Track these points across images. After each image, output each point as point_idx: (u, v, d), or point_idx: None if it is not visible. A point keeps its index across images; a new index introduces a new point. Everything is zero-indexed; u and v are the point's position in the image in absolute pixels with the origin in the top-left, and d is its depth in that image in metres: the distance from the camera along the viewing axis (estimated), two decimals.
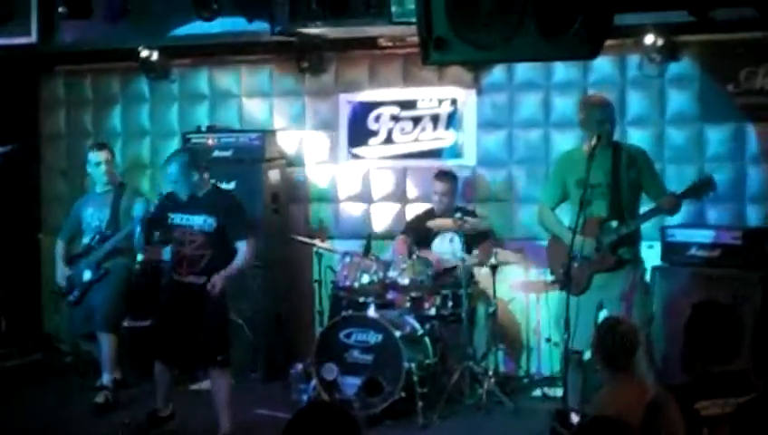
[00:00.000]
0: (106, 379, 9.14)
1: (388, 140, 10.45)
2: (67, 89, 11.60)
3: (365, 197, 10.59)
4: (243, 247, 7.93)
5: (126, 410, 8.86)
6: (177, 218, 8.02)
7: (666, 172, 9.28)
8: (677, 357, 5.20)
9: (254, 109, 10.91)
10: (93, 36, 9.50)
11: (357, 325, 8.77)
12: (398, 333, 8.61)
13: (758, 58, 9.13)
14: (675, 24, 9.03)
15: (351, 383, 8.64)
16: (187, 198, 8.01)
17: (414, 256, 9.06)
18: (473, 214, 9.56)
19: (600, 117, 7.78)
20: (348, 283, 9.05)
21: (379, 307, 8.92)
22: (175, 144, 10.88)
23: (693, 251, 8.77)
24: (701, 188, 7.83)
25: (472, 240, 9.17)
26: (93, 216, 9.27)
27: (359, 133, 10.56)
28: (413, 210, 10.14)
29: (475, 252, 9.22)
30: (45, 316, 11.34)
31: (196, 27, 9.20)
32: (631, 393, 5.20)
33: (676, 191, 7.82)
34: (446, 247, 9.35)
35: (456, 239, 9.09)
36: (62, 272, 9.29)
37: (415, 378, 8.51)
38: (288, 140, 10.74)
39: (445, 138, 10.29)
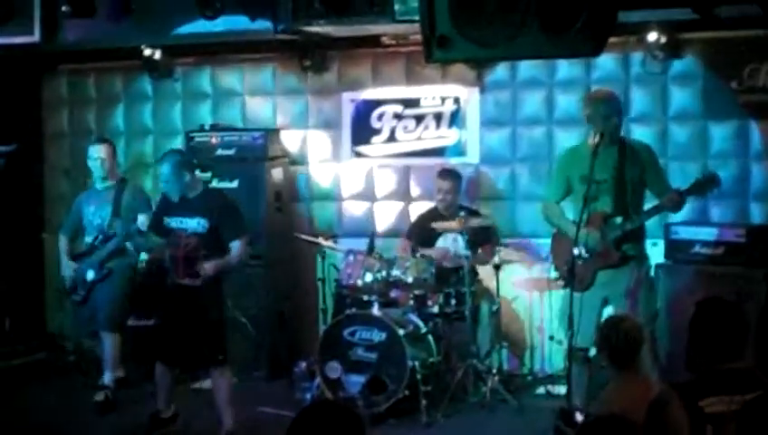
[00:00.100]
0: (107, 378, 9.15)
1: (392, 138, 10.45)
2: (70, 88, 11.60)
3: (368, 195, 10.59)
4: (236, 245, 7.93)
5: (129, 410, 8.87)
6: (172, 222, 8.03)
7: (669, 169, 9.27)
8: (681, 354, 5.19)
9: (257, 107, 10.91)
10: (96, 35, 9.50)
11: (361, 323, 8.78)
12: (401, 332, 8.61)
13: (762, 55, 9.12)
14: (678, 21, 9.03)
15: (355, 381, 8.65)
16: (180, 200, 8.01)
17: (417, 255, 9.06)
18: (476, 213, 9.56)
19: (605, 112, 7.78)
20: (351, 281, 9.05)
21: (382, 305, 8.92)
22: (178, 143, 10.87)
23: (696, 248, 8.77)
24: (705, 185, 7.82)
25: (475, 240, 9.15)
26: (95, 214, 9.26)
27: (362, 132, 10.55)
28: (416, 209, 10.14)
29: (480, 251, 9.23)
30: (49, 315, 11.34)
31: (199, 26, 9.20)
32: (636, 390, 5.19)
33: (681, 188, 7.82)
34: (450, 247, 9.34)
35: (460, 239, 9.08)
36: (66, 266, 9.28)
37: (419, 376, 8.51)
38: (291, 139, 10.74)
39: (448, 136, 10.28)
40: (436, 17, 5.38)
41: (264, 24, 9.11)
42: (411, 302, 9.13)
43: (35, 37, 9.15)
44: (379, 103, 10.48)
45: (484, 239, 9.35)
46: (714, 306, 5.22)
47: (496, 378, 8.93)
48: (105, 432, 8.53)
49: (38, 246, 11.39)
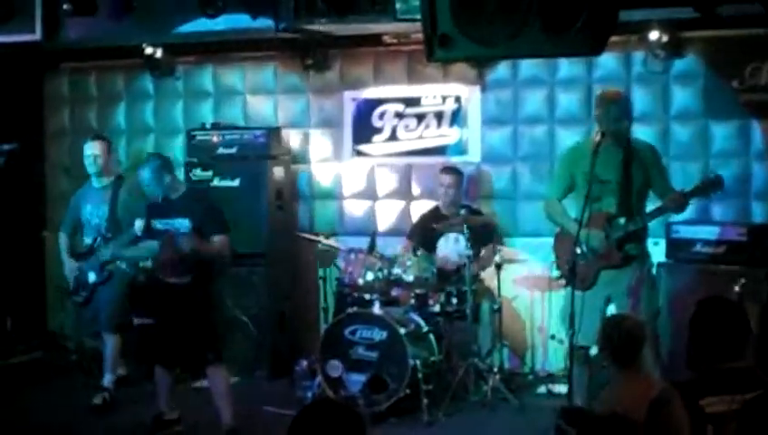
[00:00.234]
0: (107, 380, 9.15)
1: (393, 137, 10.45)
2: (71, 86, 11.61)
3: (369, 194, 10.59)
4: (218, 239, 7.94)
5: (130, 409, 8.87)
6: (159, 224, 8.07)
7: (670, 169, 9.24)
8: (683, 353, 5.19)
9: (259, 106, 10.91)
10: (98, 33, 9.50)
11: (362, 322, 8.77)
12: (402, 331, 8.60)
13: (763, 54, 9.12)
14: (680, 20, 9.04)
15: (356, 380, 8.64)
16: (164, 202, 8.04)
17: (419, 253, 9.06)
18: (478, 212, 9.57)
19: (616, 114, 7.76)
20: (352, 280, 9.05)
21: (383, 304, 8.92)
22: (179, 141, 10.91)
23: (698, 247, 8.77)
24: (709, 187, 7.81)
25: (477, 239, 9.14)
26: (93, 213, 9.23)
27: (363, 130, 10.56)
28: (417, 207, 10.14)
29: (482, 254, 9.23)
30: (50, 314, 11.35)
31: (201, 24, 9.20)
32: (637, 389, 5.18)
33: (684, 189, 7.81)
34: (451, 248, 9.34)
35: (461, 239, 9.07)
36: (69, 266, 9.28)
37: (420, 375, 8.50)
38: (292, 138, 10.74)
39: (449, 135, 10.28)
40: (437, 16, 5.37)
41: (265, 23, 9.11)
42: (412, 301, 9.13)
43: (37, 35, 9.14)
44: (380, 102, 10.48)
45: (486, 238, 9.35)
46: (715, 305, 5.22)
47: (497, 377, 8.93)
48: (106, 432, 8.51)
49: (39, 245, 11.39)
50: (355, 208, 10.63)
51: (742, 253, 8.54)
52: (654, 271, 8.28)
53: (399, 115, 10.42)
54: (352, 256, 9.17)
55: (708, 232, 8.79)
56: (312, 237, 10.09)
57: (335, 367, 8.73)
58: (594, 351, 7.75)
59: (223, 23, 9.03)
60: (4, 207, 10.85)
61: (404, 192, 10.48)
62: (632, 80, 9.66)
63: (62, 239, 9.44)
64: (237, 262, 9.80)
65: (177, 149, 11.01)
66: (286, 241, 10.46)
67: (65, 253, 9.35)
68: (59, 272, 9.57)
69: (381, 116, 10.48)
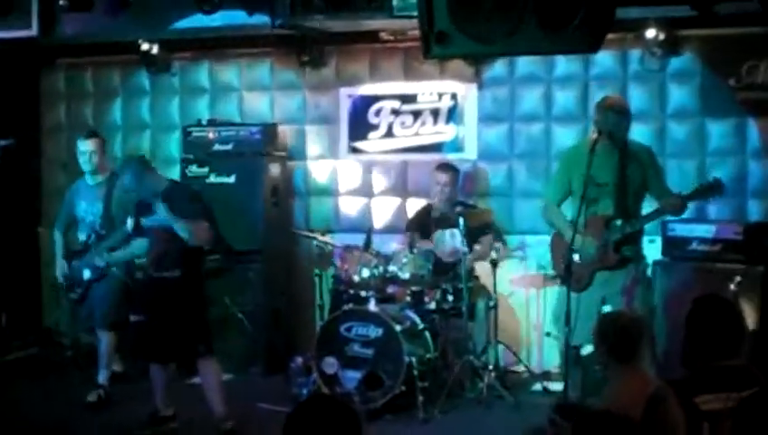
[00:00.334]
0: (102, 377, 9.13)
1: (389, 133, 10.45)
2: (68, 82, 11.60)
3: (365, 191, 10.59)
4: (197, 224, 7.93)
5: (126, 406, 8.85)
6: (147, 222, 8.08)
7: (667, 167, 9.27)
8: (678, 351, 5.19)
9: (255, 102, 10.91)
10: (94, 29, 9.48)
11: (357, 319, 8.77)
12: (398, 328, 8.60)
13: (760, 52, 9.12)
14: (677, 17, 9.04)
15: (352, 377, 8.64)
16: (150, 200, 8.04)
17: (414, 251, 9.05)
18: (473, 208, 9.57)
19: (615, 120, 7.78)
20: (348, 277, 9.04)
21: (379, 301, 8.91)
22: (175, 137, 10.90)
23: (694, 246, 8.78)
24: (708, 191, 7.82)
25: (473, 234, 9.14)
26: (87, 211, 9.21)
27: (359, 127, 10.55)
28: (413, 204, 10.14)
29: (477, 247, 9.22)
30: (45, 310, 11.33)
31: (197, 20, 9.19)
32: (636, 386, 5.18)
33: (682, 193, 7.83)
34: (448, 240, 9.33)
35: (457, 234, 9.07)
36: (61, 265, 9.27)
37: (415, 372, 8.50)
38: (288, 134, 10.73)
39: (445, 132, 10.28)
40: (434, 13, 5.37)
41: (261, 19, 9.11)
42: (408, 298, 9.13)
43: (33, 31, 9.13)
44: (376, 99, 10.48)
45: (482, 235, 9.34)
46: (710, 304, 5.22)
47: (493, 374, 8.92)
48: (101, 428, 8.49)
49: (35, 241, 11.38)
50: (351, 205, 10.62)
51: (738, 251, 8.53)
52: (649, 271, 8.31)
53: (396, 112, 10.41)
54: (348, 252, 9.17)
55: (704, 230, 8.79)
56: (308, 234, 10.10)
57: (330, 364, 8.72)
58: (586, 351, 7.78)
59: (219, 19, 9.02)
60: (1, 202, 10.82)
61: (400, 189, 10.48)
62: (629, 78, 9.66)
63: (57, 237, 9.42)
64: (233, 259, 9.85)
65: (172, 145, 11.02)
66: (282, 238, 10.46)
67: (59, 252, 9.33)
68: (54, 269, 9.54)
69: (377, 113, 10.48)
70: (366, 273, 8.92)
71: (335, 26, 9.66)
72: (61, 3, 8.83)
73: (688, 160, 9.43)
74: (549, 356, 9.62)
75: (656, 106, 9.60)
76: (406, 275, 8.94)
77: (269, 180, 10.32)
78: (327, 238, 9.96)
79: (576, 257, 7.66)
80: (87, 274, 9.08)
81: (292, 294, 10.61)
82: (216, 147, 10.32)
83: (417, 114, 10.35)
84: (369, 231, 9.46)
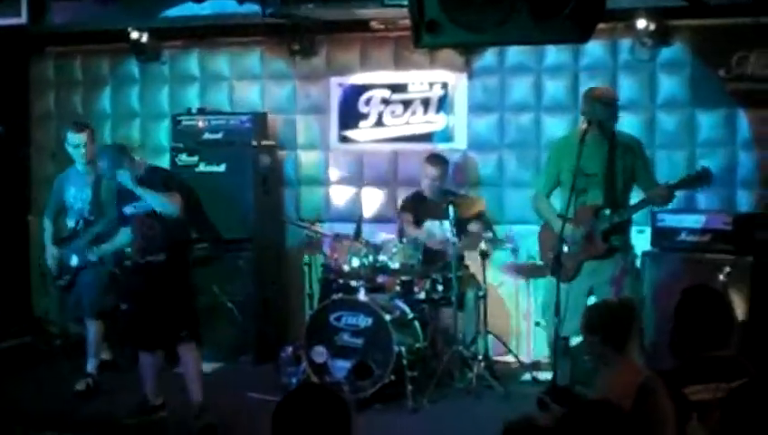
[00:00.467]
0: (90, 366, 9.12)
1: (379, 123, 10.44)
2: (57, 70, 11.57)
3: (355, 180, 10.58)
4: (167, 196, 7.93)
5: (115, 395, 8.84)
6: (128, 209, 8.07)
7: (656, 157, 9.30)
8: (667, 343, 5.19)
9: (245, 91, 10.89)
10: (84, 17, 9.47)
11: (347, 309, 8.77)
12: (388, 317, 8.60)
13: (750, 43, 9.12)
14: (667, 8, 9.05)
15: (341, 366, 8.65)
16: (129, 187, 8.03)
17: (404, 240, 9.05)
18: (464, 197, 9.56)
19: (602, 111, 7.80)
20: (338, 266, 9.04)
21: (369, 291, 8.91)
22: (165, 126, 10.89)
23: (683, 236, 8.78)
24: (695, 181, 7.85)
25: (463, 224, 9.13)
26: (76, 197, 9.19)
27: (349, 116, 10.54)
28: (403, 194, 10.11)
29: (465, 237, 9.20)
30: (34, 299, 11.32)
31: (187, 9, 9.18)
32: (626, 377, 5.19)
33: (670, 182, 7.85)
34: (437, 231, 9.33)
35: (446, 224, 9.06)
36: (51, 252, 9.24)
37: (405, 362, 8.51)
38: (279, 123, 10.72)
39: (435, 121, 10.28)
40: (424, 2, 5.35)
41: (252, 8, 9.10)
42: (398, 287, 9.13)
43: (22, 19, 9.11)
44: (366, 88, 10.47)
45: (471, 222, 9.34)
46: (699, 294, 5.23)
47: (482, 364, 8.93)
48: (90, 417, 8.48)
49: (24, 229, 11.36)
50: (341, 194, 10.61)
51: (727, 242, 8.53)
52: (638, 261, 8.33)
53: (386, 101, 10.41)
54: (338, 242, 9.16)
55: (693, 221, 8.79)
56: (298, 223, 10.10)
57: (320, 353, 8.72)
58: (575, 341, 7.81)
59: (209, 7, 9.02)
60: None
61: (390, 178, 10.48)
62: (619, 68, 9.66)
63: (46, 225, 9.39)
64: (223, 247, 9.83)
65: (162, 133, 11.00)
66: (272, 227, 10.45)
67: (49, 239, 9.31)
68: (43, 257, 9.52)
69: (368, 102, 10.47)
70: (356, 262, 8.92)
71: (326, 15, 9.66)
72: None
73: (678, 151, 9.44)
74: (538, 346, 9.63)
75: (646, 96, 9.60)
76: (395, 265, 8.94)
77: (259, 169, 10.30)
78: (317, 227, 9.96)
79: (564, 248, 7.68)
80: (75, 260, 9.05)
81: (281, 284, 10.62)
82: (206, 136, 10.31)
83: (407, 104, 10.34)
84: (359, 220, 9.46)
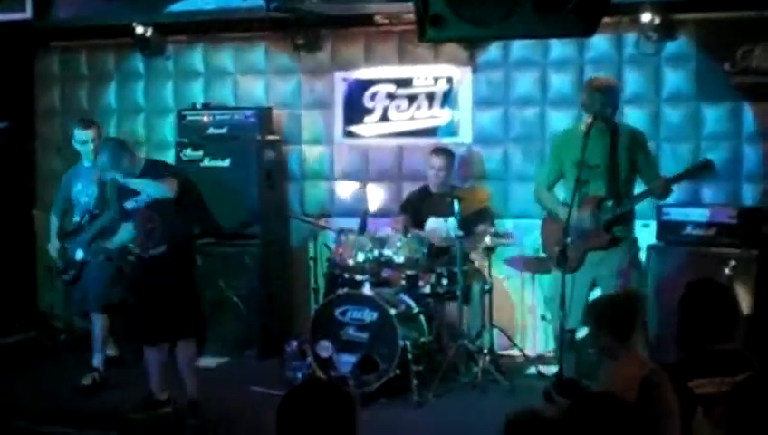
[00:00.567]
0: (96, 361, 9.13)
1: (384, 117, 10.43)
2: (62, 65, 11.57)
3: (360, 175, 10.58)
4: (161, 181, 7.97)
5: (121, 390, 8.84)
6: (129, 205, 8.08)
7: (661, 151, 9.31)
8: (671, 336, 5.19)
9: (250, 86, 10.88)
10: (88, 12, 9.48)
11: (352, 303, 8.77)
12: (393, 311, 8.60)
13: (755, 37, 9.09)
14: (672, 1, 9.03)
15: (346, 361, 8.65)
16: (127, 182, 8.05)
17: (409, 235, 9.05)
18: (469, 189, 9.57)
19: (601, 102, 7.81)
20: (343, 261, 9.04)
21: (374, 285, 8.91)
22: (170, 121, 10.89)
23: (688, 230, 8.77)
24: (696, 172, 7.86)
25: (468, 219, 9.13)
26: (82, 192, 9.21)
27: (354, 111, 10.54)
28: (408, 188, 10.12)
29: (471, 237, 9.20)
30: (40, 294, 11.32)
31: (192, 4, 9.19)
32: (631, 370, 5.19)
33: (669, 175, 7.89)
34: (441, 227, 9.33)
35: (451, 220, 9.07)
36: (54, 245, 9.24)
37: (410, 356, 8.51)
38: (283, 118, 10.72)
39: (440, 116, 10.27)
40: None
41: (256, 3, 9.11)
42: (403, 282, 9.13)
43: (27, 14, 9.12)
44: (371, 83, 10.46)
45: (477, 219, 9.34)
46: (704, 288, 5.23)
47: (487, 358, 8.93)
48: (95, 411, 8.49)
49: (29, 224, 11.37)
50: (346, 189, 10.61)
51: (732, 235, 8.53)
52: (642, 254, 8.33)
53: (391, 96, 10.40)
54: (343, 236, 9.16)
55: (699, 214, 8.78)
56: (303, 218, 10.10)
57: (325, 348, 8.73)
58: (580, 334, 7.81)
59: (214, 2, 9.03)
60: None
61: (395, 173, 10.48)
62: (624, 61, 9.65)
63: (53, 221, 9.39)
64: (227, 242, 9.85)
65: (167, 128, 11.00)
66: (277, 222, 10.46)
67: (53, 235, 9.32)
68: (48, 251, 9.53)
69: (373, 97, 10.47)
70: (361, 257, 8.93)
71: (330, 10, 9.65)
72: None
73: (683, 144, 9.43)
74: (544, 340, 9.63)
75: (651, 90, 9.60)
76: (400, 259, 8.94)
77: (264, 164, 10.30)
78: (322, 222, 9.97)
79: (567, 240, 7.68)
80: (80, 254, 9.06)
81: (286, 278, 10.62)
82: (211, 130, 10.30)
83: (412, 98, 10.34)
84: (365, 215, 9.46)
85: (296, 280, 10.59)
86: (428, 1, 5.28)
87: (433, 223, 9.37)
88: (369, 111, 10.47)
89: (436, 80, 10.25)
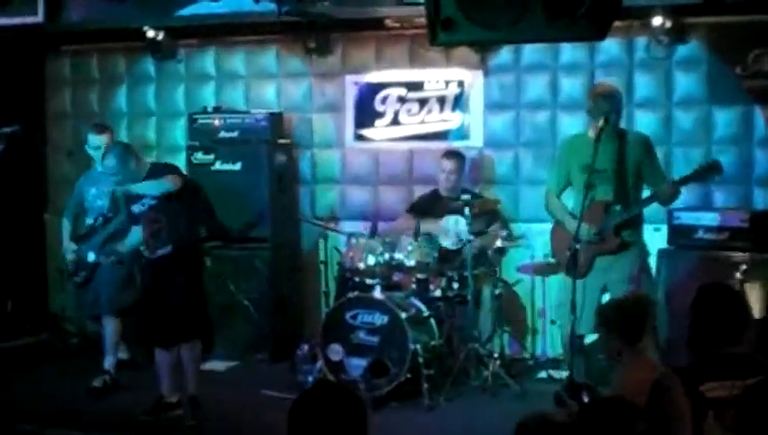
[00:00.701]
0: (108, 363, 9.14)
1: (395, 121, 10.44)
2: (73, 68, 11.59)
3: (371, 178, 10.58)
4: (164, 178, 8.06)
5: (132, 393, 8.85)
6: (136, 208, 8.13)
7: (673, 155, 9.31)
8: (682, 340, 5.19)
9: (261, 90, 10.89)
10: (100, 15, 9.49)
11: (363, 307, 8.77)
12: (403, 315, 8.60)
13: (766, 40, 9.08)
14: (683, 5, 9.02)
15: (357, 365, 8.64)
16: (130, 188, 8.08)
17: (419, 239, 9.05)
18: (479, 197, 9.56)
19: (606, 108, 7.83)
20: (354, 264, 9.05)
21: (384, 289, 8.90)
22: (181, 125, 10.91)
23: (700, 234, 8.76)
24: (704, 173, 7.85)
25: (478, 222, 9.13)
26: (96, 196, 9.23)
27: (365, 115, 10.54)
28: (419, 192, 10.13)
29: (482, 237, 9.19)
30: (51, 297, 11.34)
31: (203, 7, 9.20)
32: (642, 374, 5.18)
33: (674, 178, 7.90)
34: (451, 227, 9.33)
35: (461, 221, 9.07)
36: (69, 248, 9.25)
37: (420, 360, 8.50)
38: (294, 122, 10.73)
39: (451, 119, 10.27)
40: (440, 0, 5.36)
41: (267, 6, 9.10)
42: (413, 285, 9.13)
43: (39, 17, 9.14)
44: (382, 86, 10.47)
45: (488, 222, 9.35)
46: (715, 292, 5.23)
47: (498, 362, 8.92)
48: (106, 413, 8.50)
49: (40, 228, 11.40)
50: (357, 193, 10.61)
51: (743, 239, 8.52)
52: (651, 259, 8.33)
53: (402, 99, 10.40)
54: (354, 240, 9.17)
55: (710, 218, 8.78)
56: (314, 222, 10.11)
57: (336, 351, 8.73)
58: (590, 339, 7.80)
59: (225, 6, 9.03)
60: (6, 189, 10.82)
61: (406, 177, 10.47)
62: (635, 65, 9.65)
63: (65, 226, 9.42)
64: (237, 245, 9.85)
65: (178, 132, 11.02)
66: (287, 225, 10.46)
67: (66, 238, 9.34)
68: (60, 254, 9.55)
69: (384, 100, 10.47)
70: (372, 260, 8.93)
71: (341, 13, 9.65)
72: None
73: (695, 148, 9.41)
74: (554, 344, 9.62)
75: (662, 94, 9.59)
76: (411, 263, 8.94)
77: (275, 168, 10.31)
78: (333, 226, 9.97)
79: (577, 245, 7.69)
80: (92, 257, 9.07)
81: (297, 282, 10.62)
82: (222, 134, 10.31)
83: (423, 102, 10.34)
84: (375, 219, 9.47)
85: (307, 283, 10.60)
86: (440, 4, 5.29)
87: (445, 223, 9.37)
88: (380, 115, 10.48)
89: (447, 83, 10.25)
